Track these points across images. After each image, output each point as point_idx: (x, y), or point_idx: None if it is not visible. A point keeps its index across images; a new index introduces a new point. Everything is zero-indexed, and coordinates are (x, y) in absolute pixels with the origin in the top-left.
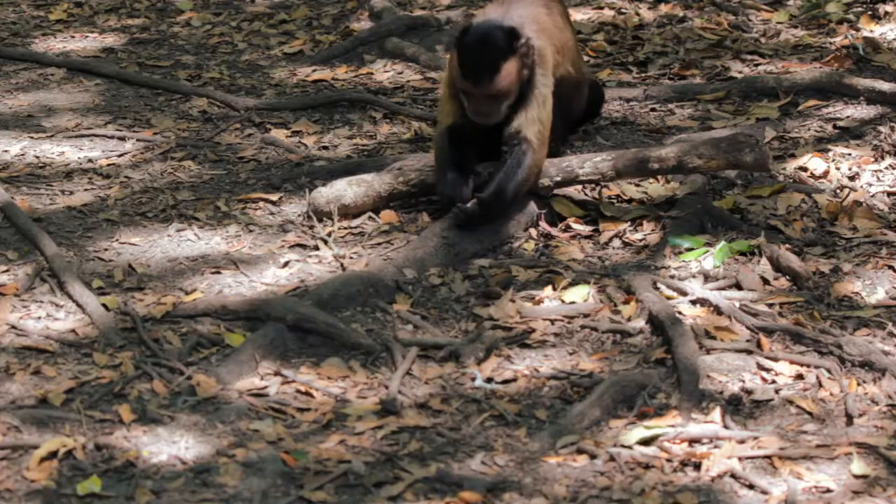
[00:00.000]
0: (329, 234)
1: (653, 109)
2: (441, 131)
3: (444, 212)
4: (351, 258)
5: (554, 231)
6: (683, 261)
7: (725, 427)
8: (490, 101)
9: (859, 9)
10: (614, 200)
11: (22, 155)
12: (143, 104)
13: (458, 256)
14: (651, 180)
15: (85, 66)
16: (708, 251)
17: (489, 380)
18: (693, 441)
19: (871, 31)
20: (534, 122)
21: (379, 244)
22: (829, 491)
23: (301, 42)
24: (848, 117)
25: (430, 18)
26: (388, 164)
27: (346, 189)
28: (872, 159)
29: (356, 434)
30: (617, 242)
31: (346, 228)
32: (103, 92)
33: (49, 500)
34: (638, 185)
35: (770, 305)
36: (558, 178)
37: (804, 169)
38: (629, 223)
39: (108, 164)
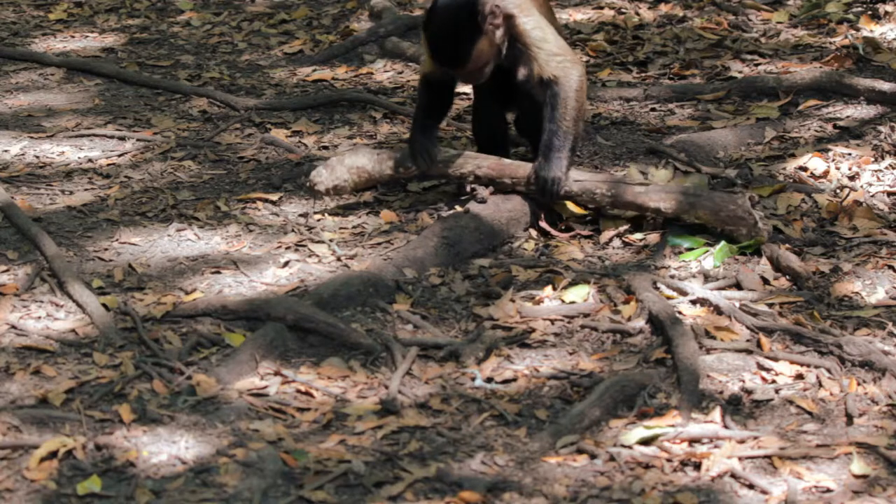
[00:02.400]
0: (328, 232)
1: (653, 109)
2: (421, 79)
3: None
4: (351, 258)
5: (554, 231)
6: (683, 261)
7: (725, 427)
8: (470, 73)
9: (859, 9)
10: None
11: (22, 155)
12: (143, 104)
13: (458, 256)
14: (651, 181)
15: (85, 66)
16: (708, 251)
17: (489, 380)
18: (693, 441)
19: (871, 31)
20: (547, 61)
21: (379, 244)
22: (829, 491)
23: (301, 42)
24: (848, 117)
25: None
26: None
27: (344, 167)
28: (872, 159)
29: (356, 434)
30: (617, 242)
31: (344, 229)
32: (103, 92)
33: (49, 500)
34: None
35: (770, 305)
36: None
37: (804, 169)
38: (629, 223)
39: (108, 164)
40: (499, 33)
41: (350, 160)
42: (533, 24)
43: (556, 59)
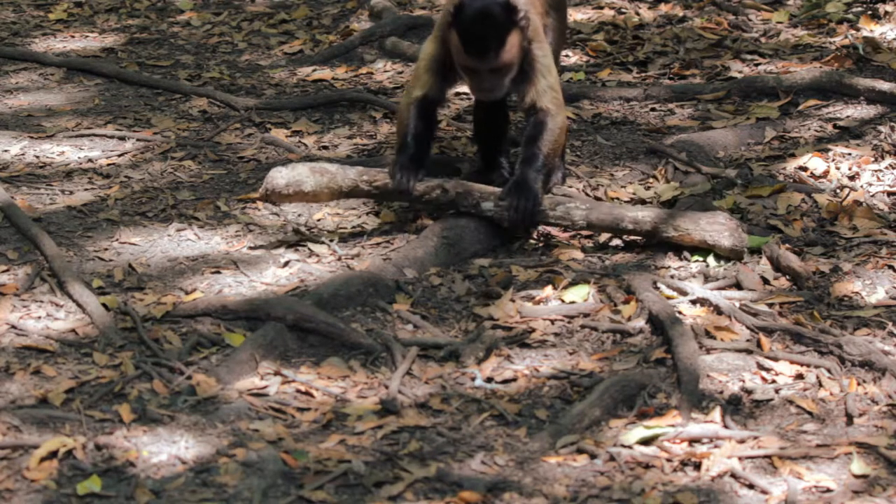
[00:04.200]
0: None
1: (653, 109)
2: (410, 101)
3: (392, 195)
4: (351, 258)
5: (554, 231)
6: (697, 259)
7: (725, 427)
8: (494, 76)
9: (859, 9)
10: (618, 200)
11: (22, 155)
12: (143, 104)
13: (458, 256)
14: (655, 181)
15: (85, 66)
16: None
17: (489, 380)
18: (693, 441)
19: (871, 31)
20: (545, 91)
21: (379, 244)
22: (829, 491)
23: (301, 42)
24: (848, 117)
25: (430, 18)
26: (388, 163)
27: (307, 178)
28: (872, 159)
29: (356, 434)
30: (617, 242)
31: (344, 229)
32: (103, 92)
33: (49, 500)
34: (644, 184)
35: (770, 305)
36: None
37: (804, 169)
38: None
39: (108, 164)
40: (525, 43)
41: (314, 164)
42: (542, 54)
43: (551, 93)
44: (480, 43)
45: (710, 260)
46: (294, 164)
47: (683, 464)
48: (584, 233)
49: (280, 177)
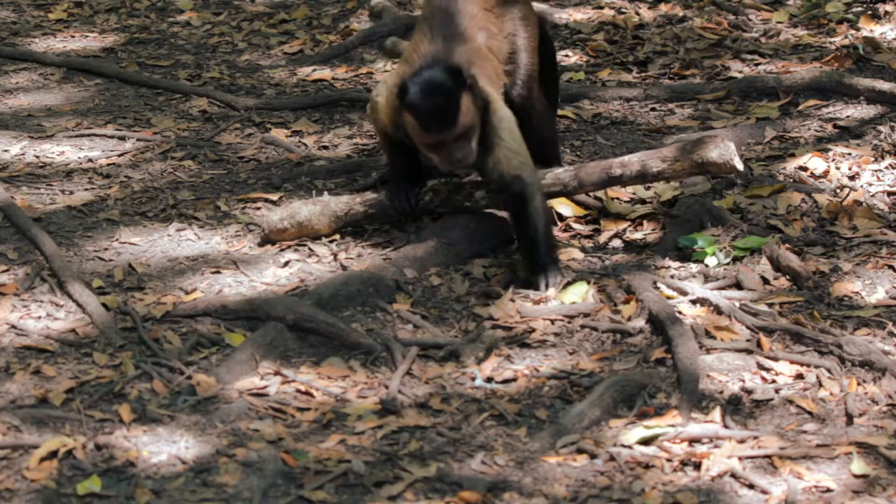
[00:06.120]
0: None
1: (653, 109)
2: (382, 136)
3: (393, 217)
4: (351, 258)
5: (553, 231)
6: (696, 260)
7: (725, 427)
8: (461, 143)
9: (859, 9)
10: (618, 199)
11: (22, 155)
12: (143, 104)
13: (458, 256)
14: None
15: (85, 66)
16: (722, 247)
17: (489, 379)
18: (693, 441)
19: (871, 30)
20: (513, 154)
21: (379, 244)
22: (829, 491)
23: (301, 42)
24: (848, 117)
25: None
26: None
27: (301, 208)
28: (872, 159)
29: (356, 434)
30: (617, 242)
31: (344, 229)
32: (103, 92)
33: (49, 500)
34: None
35: (770, 305)
36: None
37: (804, 169)
38: (629, 223)
39: (108, 164)
40: (479, 100)
41: (305, 200)
42: (497, 108)
43: (519, 157)
44: (439, 117)
45: (710, 260)
46: (285, 202)
47: (683, 464)
48: (585, 232)
49: (273, 213)
